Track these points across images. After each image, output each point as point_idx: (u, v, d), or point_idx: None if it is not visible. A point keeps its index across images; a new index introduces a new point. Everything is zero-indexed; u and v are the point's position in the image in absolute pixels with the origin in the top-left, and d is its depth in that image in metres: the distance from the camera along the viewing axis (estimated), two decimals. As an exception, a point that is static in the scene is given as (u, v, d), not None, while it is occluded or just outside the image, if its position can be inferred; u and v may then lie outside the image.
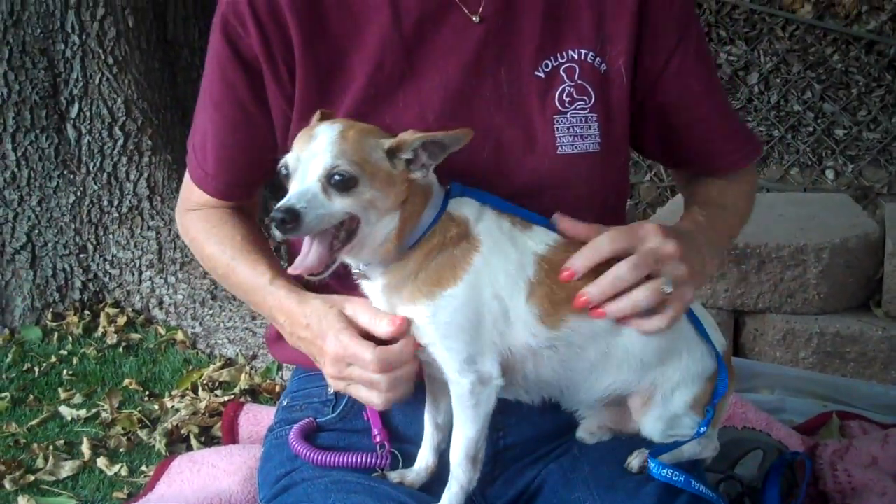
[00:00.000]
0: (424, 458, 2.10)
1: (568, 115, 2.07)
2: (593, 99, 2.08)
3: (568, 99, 2.07)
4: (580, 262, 1.92)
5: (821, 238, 4.16)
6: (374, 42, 2.05)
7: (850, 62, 6.14)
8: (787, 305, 4.18)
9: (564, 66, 2.08)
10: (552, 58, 2.08)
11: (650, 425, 2.07)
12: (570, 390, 2.04)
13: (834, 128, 6.00)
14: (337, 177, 1.77)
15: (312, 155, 1.80)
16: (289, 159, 1.84)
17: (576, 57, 2.09)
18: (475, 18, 2.07)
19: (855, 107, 6.05)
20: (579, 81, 2.08)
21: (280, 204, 1.75)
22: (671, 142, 2.26)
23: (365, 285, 1.96)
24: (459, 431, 1.94)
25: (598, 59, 2.10)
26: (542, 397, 2.05)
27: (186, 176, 2.33)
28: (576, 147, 2.06)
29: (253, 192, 2.32)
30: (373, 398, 1.93)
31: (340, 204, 1.78)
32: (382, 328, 1.91)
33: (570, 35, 2.10)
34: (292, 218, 1.73)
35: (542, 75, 2.07)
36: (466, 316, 1.88)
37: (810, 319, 4.17)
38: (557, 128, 2.06)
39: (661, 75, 2.15)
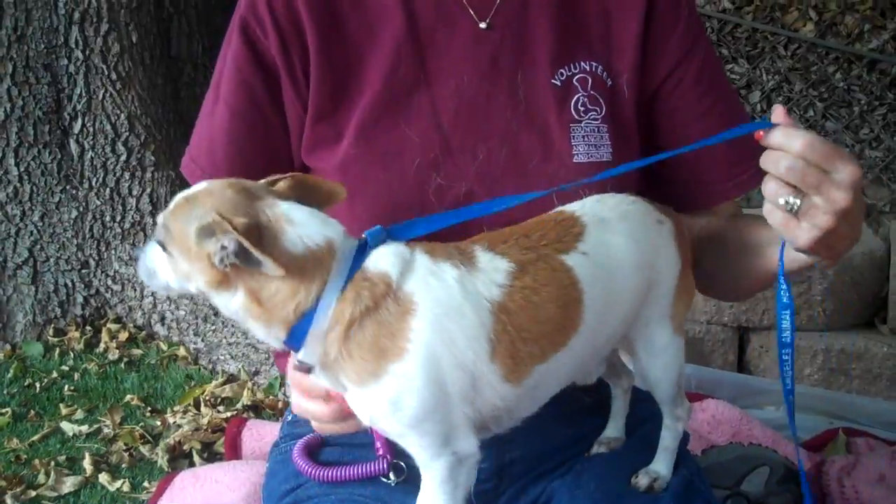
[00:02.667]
0: None
1: (582, 125, 2.06)
2: (604, 110, 2.08)
3: (582, 108, 2.07)
4: (776, 137, 1.66)
5: (826, 255, 4.16)
6: (388, 47, 2.05)
7: (853, 81, 6.15)
8: (793, 322, 4.17)
9: (578, 76, 2.09)
10: (566, 67, 2.08)
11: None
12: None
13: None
14: (156, 237, 1.70)
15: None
16: None
17: (587, 69, 2.09)
18: (482, 25, 2.07)
19: (857, 125, 6.05)
20: (591, 92, 2.08)
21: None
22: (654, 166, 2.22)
23: (311, 378, 1.73)
24: None
25: (605, 73, 2.10)
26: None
27: None
28: (591, 156, 2.06)
29: None
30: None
31: (163, 266, 1.71)
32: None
33: (580, 47, 2.11)
34: (136, 258, 1.78)
35: (559, 84, 2.08)
36: (430, 394, 1.63)
37: (815, 336, 4.17)
38: (573, 136, 2.05)
39: (656, 96, 2.15)
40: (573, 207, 1.88)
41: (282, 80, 2.07)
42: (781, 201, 1.65)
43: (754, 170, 1.84)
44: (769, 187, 1.67)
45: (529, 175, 2.03)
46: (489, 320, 1.65)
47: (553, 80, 2.08)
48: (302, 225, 1.62)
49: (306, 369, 1.67)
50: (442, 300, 1.64)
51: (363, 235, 1.69)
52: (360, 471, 2.09)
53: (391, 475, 2.07)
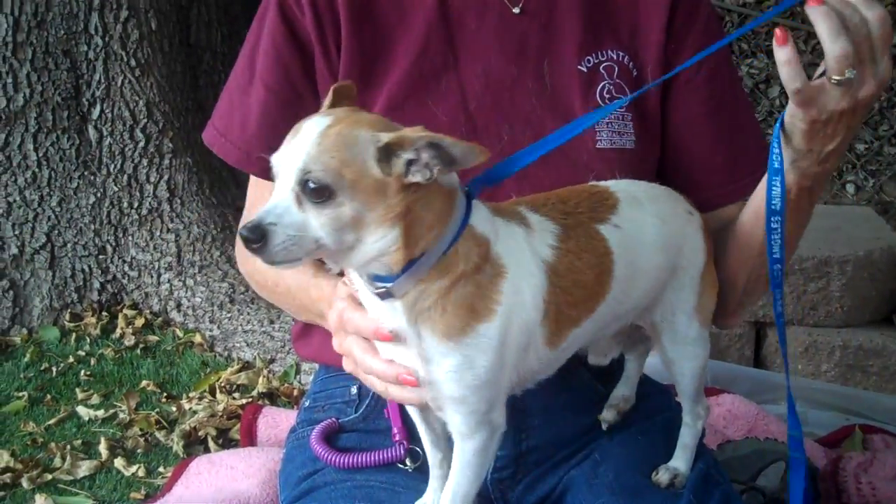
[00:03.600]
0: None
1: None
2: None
3: (608, 96, 2.08)
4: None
5: (845, 250, 4.14)
6: (418, 28, 2.07)
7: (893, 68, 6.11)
8: (810, 318, 4.16)
9: (604, 63, 2.11)
10: (594, 54, 2.11)
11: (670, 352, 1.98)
12: None
13: (855, 142, 5.97)
14: (311, 184, 1.49)
15: (290, 157, 1.52)
16: (274, 158, 1.57)
17: (614, 57, 2.12)
18: (515, 10, 2.10)
19: (876, 121, 6.02)
20: (617, 80, 2.11)
21: (251, 219, 1.52)
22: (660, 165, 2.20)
23: (378, 307, 1.67)
24: (457, 486, 1.74)
25: (631, 63, 2.12)
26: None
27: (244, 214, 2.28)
28: (613, 142, 2.07)
29: None
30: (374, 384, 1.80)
31: (315, 221, 1.50)
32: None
33: (608, 36, 2.13)
34: (258, 237, 1.49)
35: (585, 70, 2.09)
36: (499, 359, 1.64)
37: (833, 332, 4.16)
38: (597, 122, 2.06)
39: (670, 90, 2.16)
40: (606, 183, 1.90)
41: (316, 58, 2.10)
42: (849, 74, 1.60)
43: (753, 175, 1.86)
44: (840, 59, 1.59)
45: (553, 158, 2.03)
46: (545, 282, 1.68)
47: (580, 67, 2.10)
48: (447, 136, 1.52)
49: (384, 292, 1.60)
50: (522, 262, 1.66)
51: (465, 187, 1.66)
52: (377, 457, 2.10)
53: (408, 461, 2.08)
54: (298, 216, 1.50)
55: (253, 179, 2.26)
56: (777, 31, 1.60)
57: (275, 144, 2.02)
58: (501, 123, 2.05)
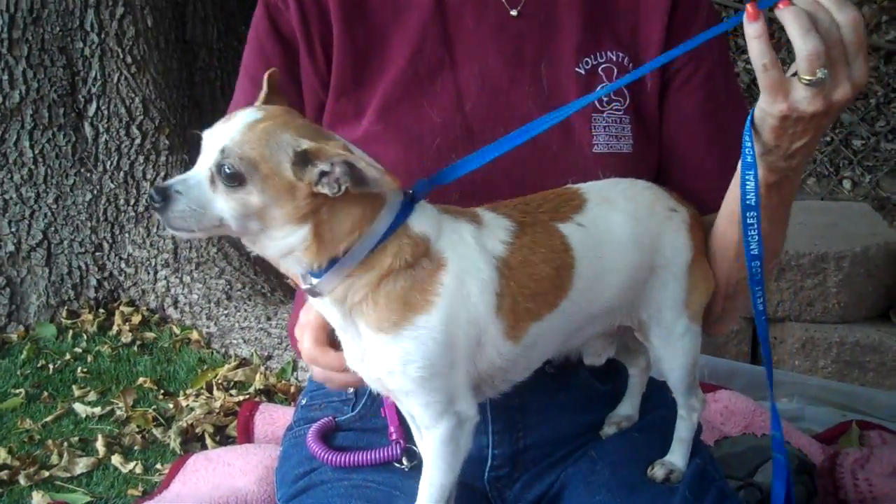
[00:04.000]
0: None
1: (605, 115, 2.07)
2: (627, 102, 2.09)
3: (606, 98, 2.07)
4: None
5: (841, 246, 4.15)
6: (414, 27, 2.06)
7: (869, 72, 6.11)
8: (807, 314, 4.17)
9: (603, 65, 2.09)
10: (592, 56, 2.09)
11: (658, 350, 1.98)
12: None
13: (851, 138, 5.98)
14: (227, 169, 1.56)
15: (216, 138, 1.60)
16: (205, 134, 1.65)
17: (614, 59, 2.10)
18: (513, 12, 2.09)
19: (873, 117, 6.03)
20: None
21: (163, 182, 1.62)
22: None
23: (316, 303, 1.76)
24: (431, 478, 1.78)
25: (632, 63, 2.10)
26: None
27: None
28: (611, 146, 2.06)
29: None
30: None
31: (223, 203, 1.58)
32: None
33: (607, 36, 2.11)
34: (161, 199, 1.58)
35: (583, 72, 2.08)
36: (445, 351, 1.69)
37: (830, 328, 4.16)
38: (594, 126, 2.06)
39: (667, 92, 2.15)
40: (582, 186, 1.92)
41: (300, 54, 2.09)
42: (820, 74, 1.59)
43: None
44: (811, 58, 1.57)
45: (548, 162, 2.04)
46: (496, 275, 1.73)
47: (577, 69, 2.08)
48: (364, 159, 1.60)
49: (317, 294, 1.69)
50: (465, 255, 1.71)
51: (409, 190, 1.72)
52: (373, 456, 2.10)
53: (404, 460, 2.08)
54: (207, 194, 1.59)
55: None
56: (748, 6, 1.60)
57: None
58: (497, 126, 2.04)
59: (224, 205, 1.59)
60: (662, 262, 1.92)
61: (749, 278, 1.80)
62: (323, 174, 1.58)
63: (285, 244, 1.64)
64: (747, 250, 1.78)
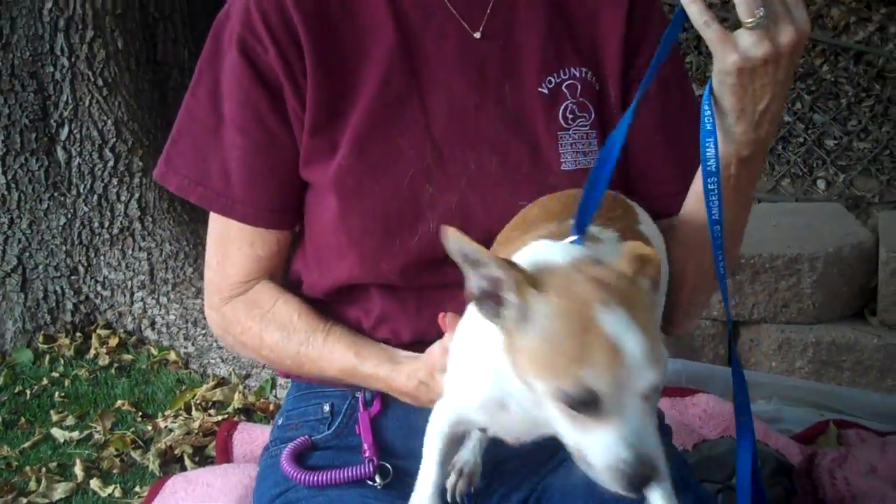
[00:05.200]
0: None
1: (571, 132, 2.07)
2: (592, 116, 2.09)
3: (571, 116, 2.07)
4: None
5: (815, 247, 4.17)
6: (380, 59, 2.05)
7: (840, 73, 6.16)
8: (782, 315, 4.18)
9: (567, 82, 2.09)
10: (555, 74, 2.08)
11: None
12: None
13: (824, 138, 6.01)
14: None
15: (634, 372, 1.35)
16: (599, 383, 1.35)
17: (577, 74, 2.10)
18: (476, 35, 2.08)
19: (845, 117, 6.06)
20: (580, 99, 2.08)
21: (634, 450, 1.36)
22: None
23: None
24: None
25: (594, 77, 2.11)
26: None
27: (211, 259, 2.21)
28: (578, 163, 2.06)
29: (283, 221, 2.18)
30: None
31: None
32: None
33: (570, 53, 2.11)
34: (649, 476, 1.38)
35: (546, 91, 2.08)
36: None
37: (805, 329, 4.18)
38: (561, 144, 2.06)
39: (625, 101, 2.14)
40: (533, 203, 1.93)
41: (285, 95, 2.06)
42: (760, 13, 1.62)
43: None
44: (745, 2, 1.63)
45: (520, 183, 2.03)
46: None
47: (540, 89, 2.08)
48: None
49: None
50: None
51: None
52: (345, 474, 2.09)
53: (377, 478, 2.07)
54: None
55: (217, 260, 2.21)
56: None
57: (256, 189, 2.08)
58: (468, 151, 2.03)
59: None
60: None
61: (712, 244, 1.81)
62: None
63: None
64: (709, 215, 1.79)
